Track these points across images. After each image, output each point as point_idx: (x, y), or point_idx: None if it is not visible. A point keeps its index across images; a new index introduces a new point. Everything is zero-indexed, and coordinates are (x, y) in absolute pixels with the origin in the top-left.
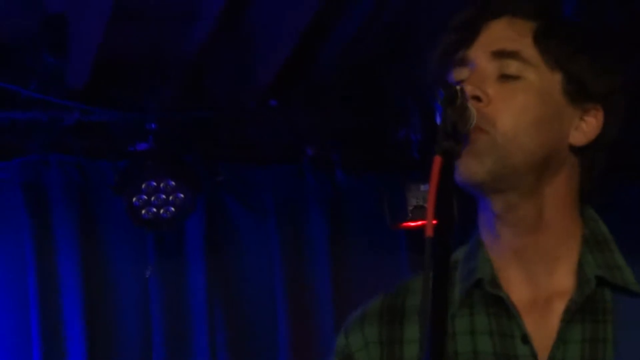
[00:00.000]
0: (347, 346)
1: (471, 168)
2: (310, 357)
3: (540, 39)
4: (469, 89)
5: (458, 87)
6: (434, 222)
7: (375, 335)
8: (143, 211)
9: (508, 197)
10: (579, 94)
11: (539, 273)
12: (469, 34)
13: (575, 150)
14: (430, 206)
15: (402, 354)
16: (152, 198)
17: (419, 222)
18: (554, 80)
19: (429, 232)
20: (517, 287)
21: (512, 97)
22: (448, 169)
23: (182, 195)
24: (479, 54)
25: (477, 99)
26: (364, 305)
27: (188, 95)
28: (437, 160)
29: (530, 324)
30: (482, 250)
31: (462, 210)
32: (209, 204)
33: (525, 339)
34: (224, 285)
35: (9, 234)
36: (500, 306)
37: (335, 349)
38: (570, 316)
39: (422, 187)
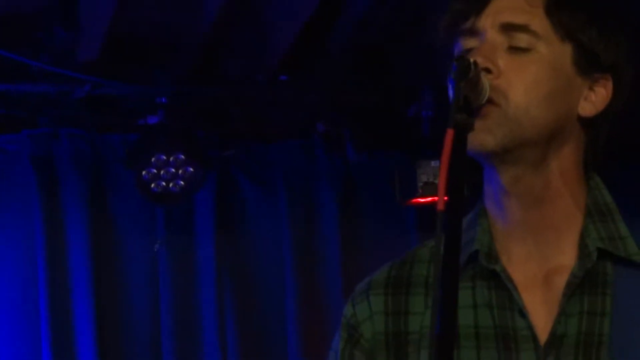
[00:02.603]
0: (353, 316)
1: (482, 140)
2: (318, 331)
3: (553, 11)
4: (479, 61)
5: (471, 60)
6: (445, 197)
7: (380, 306)
8: (152, 185)
9: (516, 169)
10: (589, 64)
11: (542, 247)
12: (478, 2)
13: (583, 121)
14: (441, 180)
15: (407, 325)
16: (162, 172)
17: (429, 199)
18: (565, 51)
19: (440, 207)
20: (519, 261)
21: (524, 69)
22: (460, 143)
23: (191, 169)
24: (488, 24)
25: (488, 70)
26: (371, 275)
27: (199, 69)
28: (450, 134)
29: (531, 298)
30: (484, 221)
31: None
32: (219, 179)
33: (522, 313)
34: (234, 260)
35: (18, 206)
36: (500, 279)
37: (342, 319)
38: (572, 290)
39: (433, 164)
